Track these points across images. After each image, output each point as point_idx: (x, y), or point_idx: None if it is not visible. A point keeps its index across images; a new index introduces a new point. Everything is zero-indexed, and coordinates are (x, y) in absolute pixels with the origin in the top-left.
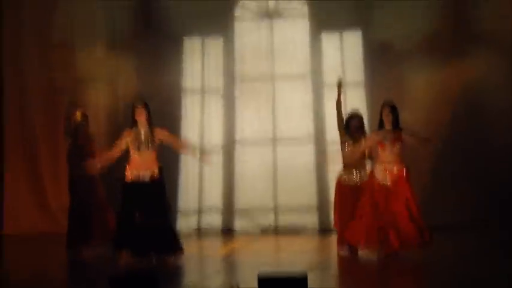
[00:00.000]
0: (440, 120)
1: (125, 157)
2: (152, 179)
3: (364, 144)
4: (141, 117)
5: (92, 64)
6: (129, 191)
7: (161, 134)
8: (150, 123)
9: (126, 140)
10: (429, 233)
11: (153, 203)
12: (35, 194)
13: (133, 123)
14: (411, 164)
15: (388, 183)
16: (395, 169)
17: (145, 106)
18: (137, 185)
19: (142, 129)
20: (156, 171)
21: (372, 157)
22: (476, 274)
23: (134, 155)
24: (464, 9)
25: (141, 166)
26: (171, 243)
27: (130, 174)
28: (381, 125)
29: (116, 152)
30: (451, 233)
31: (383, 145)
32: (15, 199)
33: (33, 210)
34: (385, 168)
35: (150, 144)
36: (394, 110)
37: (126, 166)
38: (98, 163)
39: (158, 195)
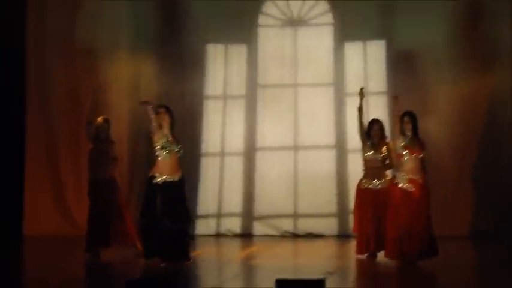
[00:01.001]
0: (463, 132)
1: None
2: (178, 183)
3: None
4: (165, 122)
5: (115, 69)
6: (156, 194)
7: None
8: (173, 128)
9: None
10: (436, 244)
11: (178, 207)
12: (56, 197)
13: (160, 127)
14: (434, 173)
15: (411, 190)
16: (417, 177)
17: (169, 111)
18: (164, 188)
19: (168, 133)
20: (180, 175)
21: (392, 165)
22: (488, 285)
23: (162, 158)
24: (487, 24)
25: (169, 169)
26: (186, 249)
27: (158, 177)
28: (401, 133)
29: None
30: (471, 244)
31: (412, 152)
32: (36, 201)
33: (53, 213)
34: (407, 176)
35: (176, 148)
36: (413, 118)
37: (153, 168)
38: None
39: (183, 200)
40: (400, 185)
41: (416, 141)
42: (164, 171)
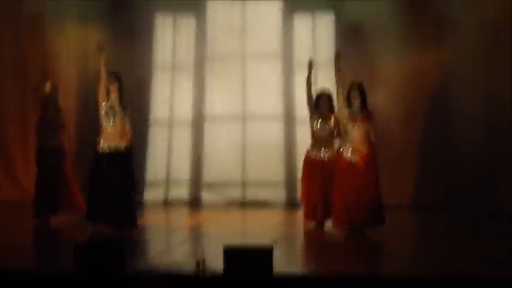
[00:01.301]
0: (409, 103)
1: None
2: (124, 151)
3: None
4: (114, 88)
5: (63, 37)
6: (101, 162)
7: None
8: (121, 96)
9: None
10: (383, 213)
11: (123, 175)
12: (3, 163)
13: (105, 92)
14: (380, 144)
15: (356, 162)
16: (362, 148)
17: (118, 78)
18: (110, 156)
19: (115, 101)
20: (128, 143)
21: (340, 135)
22: (433, 252)
23: (107, 126)
24: None
25: (114, 137)
26: (132, 217)
27: (103, 145)
28: (348, 104)
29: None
30: (414, 213)
31: (353, 120)
32: None
33: (1, 179)
34: (353, 147)
35: (122, 116)
36: (361, 89)
37: (99, 136)
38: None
39: (128, 168)
40: (345, 156)
41: (363, 113)
42: (109, 139)
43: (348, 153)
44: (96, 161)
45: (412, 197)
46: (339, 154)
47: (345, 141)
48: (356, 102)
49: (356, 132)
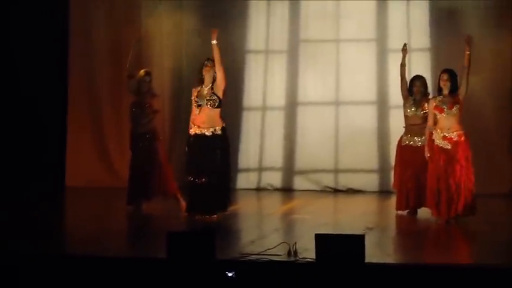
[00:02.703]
0: (505, 88)
1: None
2: (212, 136)
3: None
4: (208, 75)
5: (156, 22)
6: (191, 147)
7: (217, 88)
8: (214, 81)
9: (192, 98)
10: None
11: (209, 160)
12: (98, 148)
13: (201, 81)
14: (476, 131)
15: (447, 148)
16: (454, 134)
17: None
18: (197, 141)
19: (206, 87)
20: (218, 129)
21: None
22: None
23: (195, 111)
24: None
25: (202, 123)
26: (219, 201)
27: (192, 130)
28: (439, 90)
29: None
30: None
31: (441, 111)
32: (78, 152)
33: (95, 164)
34: (444, 134)
35: (210, 102)
36: (452, 75)
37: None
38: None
39: (211, 154)
40: (436, 143)
41: (451, 99)
42: (195, 125)
43: (438, 139)
44: (187, 146)
45: (509, 184)
46: (430, 140)
47: (435, 128)
48: (445, 88)
49: (445, 117)
